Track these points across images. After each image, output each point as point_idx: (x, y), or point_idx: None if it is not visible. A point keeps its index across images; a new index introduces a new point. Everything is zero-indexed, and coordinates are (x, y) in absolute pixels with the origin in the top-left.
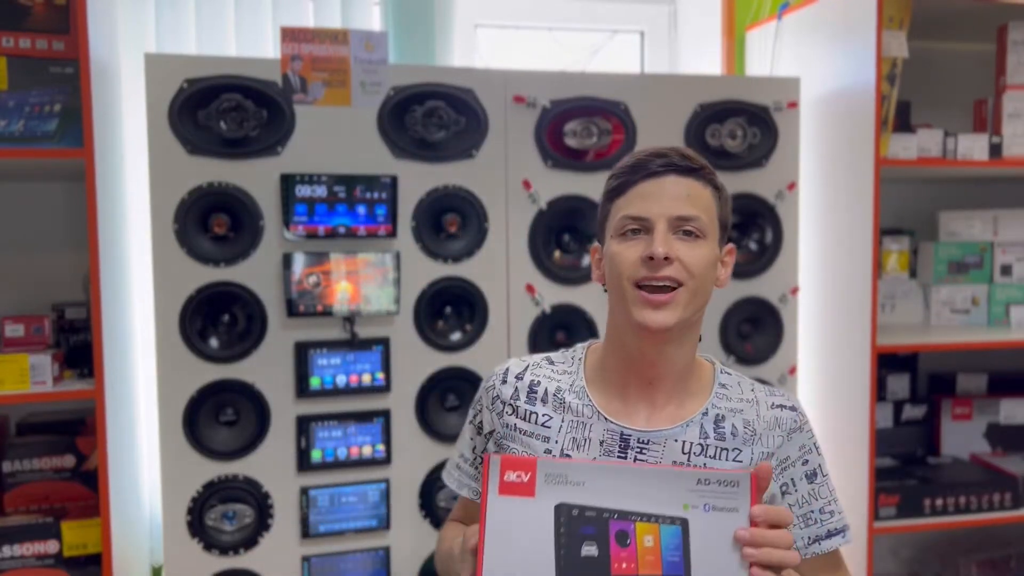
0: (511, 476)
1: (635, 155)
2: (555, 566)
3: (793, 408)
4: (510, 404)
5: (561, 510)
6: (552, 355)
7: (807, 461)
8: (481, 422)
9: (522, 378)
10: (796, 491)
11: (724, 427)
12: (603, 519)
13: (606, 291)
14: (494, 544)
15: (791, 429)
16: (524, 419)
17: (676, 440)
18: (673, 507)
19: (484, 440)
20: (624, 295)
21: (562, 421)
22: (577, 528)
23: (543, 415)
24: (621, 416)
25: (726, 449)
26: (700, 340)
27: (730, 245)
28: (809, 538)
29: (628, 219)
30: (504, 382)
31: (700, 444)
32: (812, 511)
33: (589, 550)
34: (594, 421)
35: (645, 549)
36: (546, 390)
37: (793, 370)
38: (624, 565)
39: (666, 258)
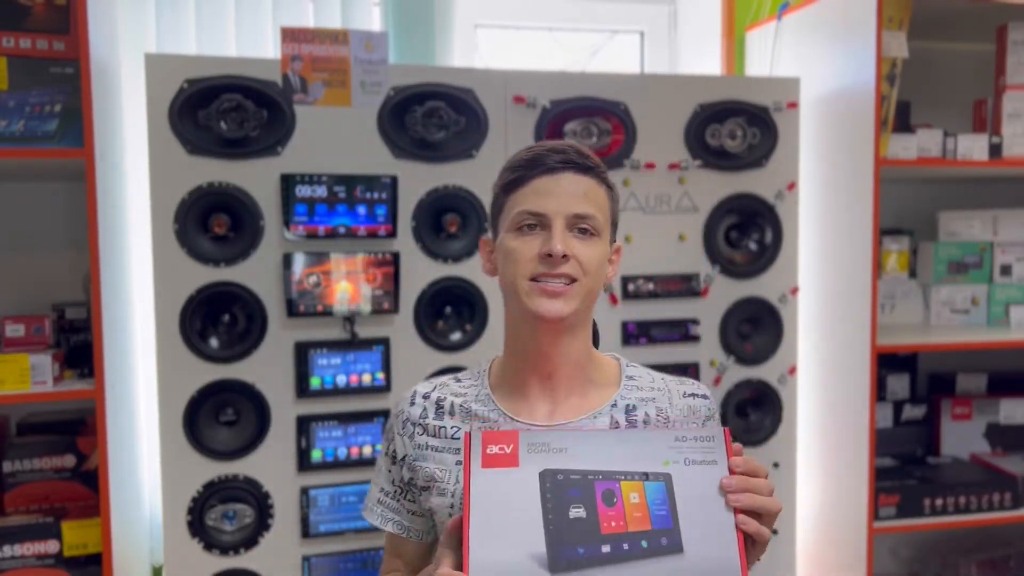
0: (493, 449)
1: (532, 149)
2: (544, 531)
3: (705, 396)
4: (420, 424)
5: (546, 476)
6: (459, 374)
7: None
8: (395, 451)
9: (429, 397)
10: None
11: (636, 416)
12: (588, 481)
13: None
14: (480, 518)
15: (706, 416)
16: (434, 435)
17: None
18: (655, 464)
19: (400, 469)
20: (519, 290)
21: (469, 430)
22: (563, 492)
23: (452, 427)
24: (525, 414)
25: None
26: (597, 339)
27: (617, 244)
28: None
29: (525, 214)
30: (412, 404)
31: (662, 427)
32: None
33: (577, 512)
34: (501, 423)
35: (632, 506)
36: (452, 403)
37: (793, 370)
38: (613, 523)
39: (564, 256)
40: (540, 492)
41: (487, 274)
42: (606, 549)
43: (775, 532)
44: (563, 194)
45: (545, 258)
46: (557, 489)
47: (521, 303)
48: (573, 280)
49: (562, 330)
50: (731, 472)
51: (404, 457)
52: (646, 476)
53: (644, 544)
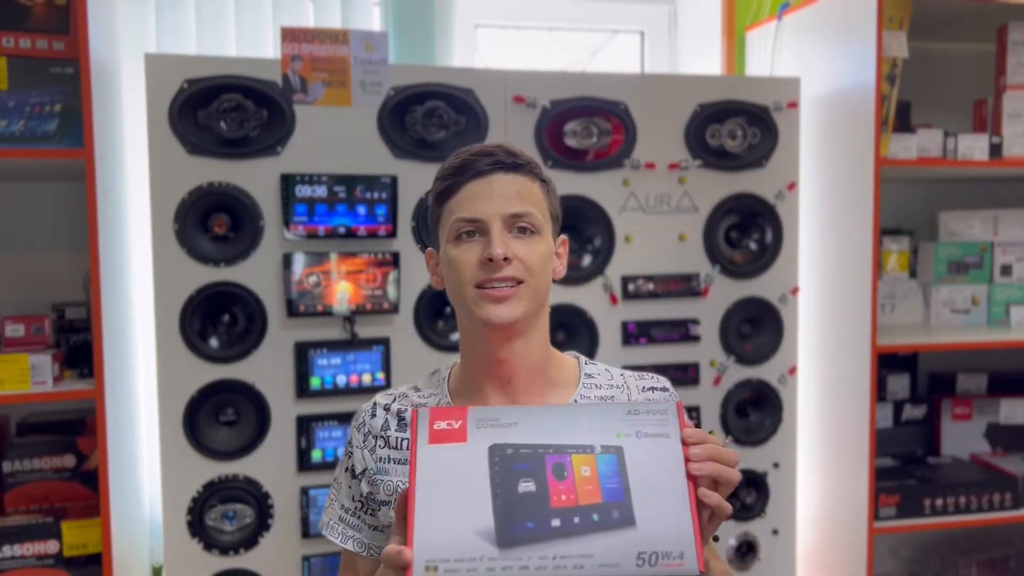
0: (441, 424)
1: (460, 155)
2: (492, 505)
3: (665, 388)
4: (381, 436)
5: (495, 450)
6: (418, 383)
7: None
8: (353, 466)
9: (389, 409)
10: None
11: None
12: (538, 455)
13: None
14: (426, 493)
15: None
16: (396, 447)
17: None
18: (607, 437)
19: (359, 484)
20: (466, 298)
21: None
22: (512, 465)
23: None
24: None
25: None
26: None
27: (563, 236)
28: None
29: (462, 221)
30: (373, 416)
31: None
32: None
33: (526, 486)
34: None
35: (583, 479)
36: None
37: (793, 370)
38: (563, 497)
39: (505, 258)
40: (488, 466)
41: (435, 287)
42: (556, 523)
43: (775, 532)
44: (496, 196)
45: (487, 263)
46: (506, 463)
47: (470, 311)
48: (519, 282)
49: (515, 334)
50: (684, 444)
51: (364, 471)
52: (597, 449)
53: (595, 517)
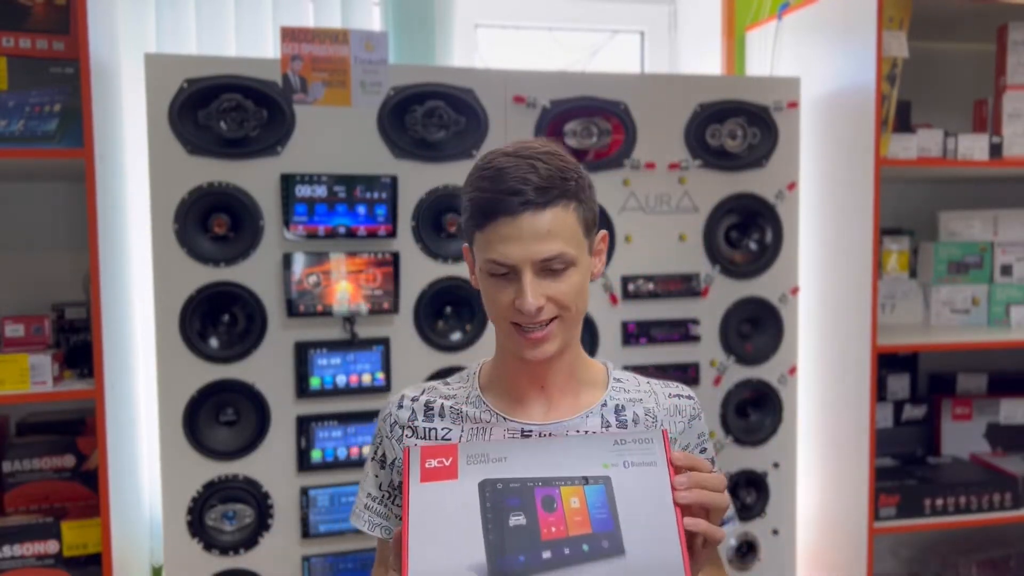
0: (432, 463)
1: (493, 180)
2: (484, 541)
3: (690, 397)
4: (409, 427)
5: (485, 485)
6: (448, 379)
7: (704, 449)
8: (383, 455)
9: (417, 400)
10: None
11: (625, 415)
12: (528, 488)
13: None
14: (419, 531)
15: (691, 416)
16: (424, 437)
17: (577, 430)
18: (594, 468)
19: (388, 473)
20: (501, 328)
21: (461, 431)
22: (503, 500)
23: (442, 429)
24: (519, 414)
25: None
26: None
27: (602, 232)
28: None
29: (493, 264)
30: (400, 407)
31: (603, 432)
32: None
33: (517, 520)
34: (494, 423)
35: (572, 511)
36: (442, 406)
37: (793, 370)
38: (554, 529)
39: (538, 308)
40: (480, 502)
41: (474, 286)
42: (547, 555)
43: (775, 532)
44: (526, 239)
45: (519, 312)
46: (497, 498)
47: (508, 341)
48: (553, 318)
49: (551, 360)
50: (672, 469)
51: (393, 461)
52: (586, 480)
53: (585, 548)
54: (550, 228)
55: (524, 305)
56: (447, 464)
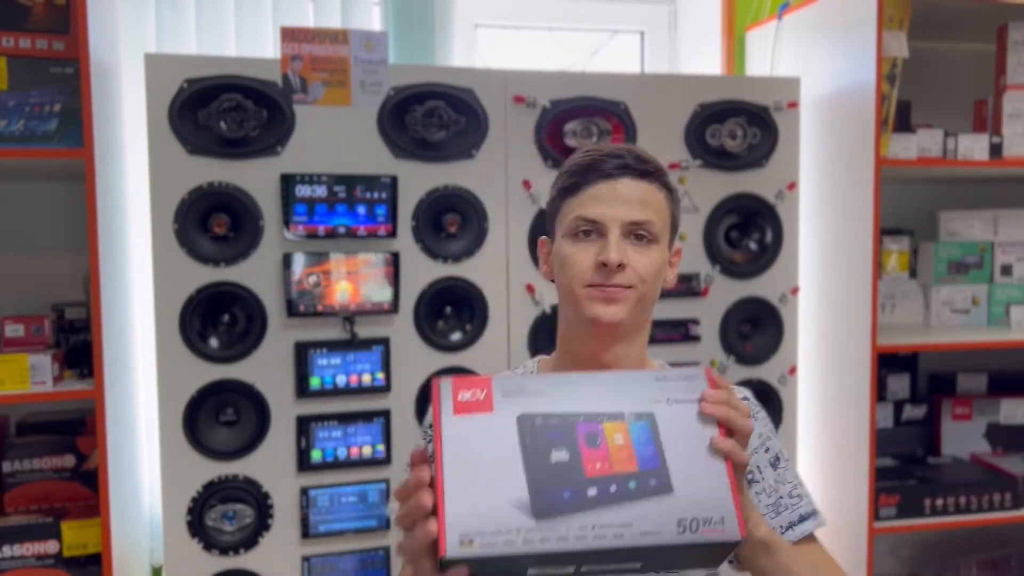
0: (465, 395)
1: (590, 152)
2: (525, 475)
3: (747, 398)
4: None
5: (524, 420)
6: (502, 373)
7: (768, 448)
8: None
9: None
10: (763, 478)
11: None
12: (569, 424)
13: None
14: (454, 465)
15: (751, 414)
16: None
17: None
18: (637, 404)
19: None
20: (575, 295)
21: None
22: (543, 435)
23: None
24: None
25: None
26: (652, 339)
27: (678, 246)
28: (782, 526)
29: (581, 220)
30: None
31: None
32: (781, 497)
33: (559, 455)
34: None
35: (617, 447)
36: None
37: (793, 370)
38: (598, 465)
39: (620, 264)
40: (519, 436)
41: (544, 277)
42: (592, 492)
43: None
44: (620, 200)
45: (601, 267)
46: (536, 433)
47: (578, 308)
48: (630, 287)
49: (618, 338)
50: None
51: None
52: (629, 416)
53: (632, 485)
54: (643, 197)
55: (608, 255)
56: (481, 397)
